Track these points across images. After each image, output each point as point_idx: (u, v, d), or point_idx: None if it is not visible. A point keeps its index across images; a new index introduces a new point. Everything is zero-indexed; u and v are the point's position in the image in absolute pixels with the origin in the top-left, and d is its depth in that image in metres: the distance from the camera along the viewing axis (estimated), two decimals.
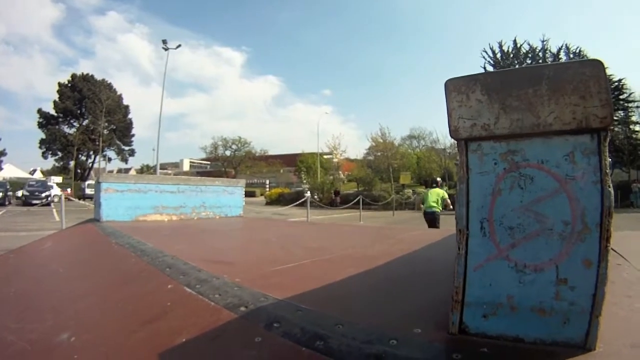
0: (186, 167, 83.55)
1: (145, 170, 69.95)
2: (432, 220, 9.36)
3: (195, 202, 6.28)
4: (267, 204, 34.95)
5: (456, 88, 1.26)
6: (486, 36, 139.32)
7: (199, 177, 7.22)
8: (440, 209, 9.48)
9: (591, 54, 52.06)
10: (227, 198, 6.87)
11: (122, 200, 5.32)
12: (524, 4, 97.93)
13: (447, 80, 1.29)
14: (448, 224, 7.22)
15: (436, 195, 9.64)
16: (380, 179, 39.00)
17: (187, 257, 2.52)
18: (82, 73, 55.76)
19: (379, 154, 40.79)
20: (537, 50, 49.08)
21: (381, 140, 39.80)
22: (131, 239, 3.35)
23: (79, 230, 4.77)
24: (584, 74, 1.11)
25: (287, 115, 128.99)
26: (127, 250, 2.97)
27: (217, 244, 3.71)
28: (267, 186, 49.93)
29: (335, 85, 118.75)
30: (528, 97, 1.17)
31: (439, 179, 11.79)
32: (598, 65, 1.11)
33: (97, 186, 5.32)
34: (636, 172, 43.57)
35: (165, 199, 5.86)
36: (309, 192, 35.42)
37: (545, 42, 48.57)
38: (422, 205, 10.14)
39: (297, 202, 16.27)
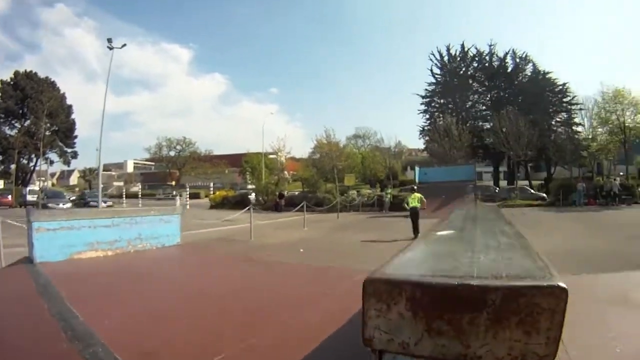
0: (130, 168, 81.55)
1: (88, 173, 67.95)
2: (415, 214, 14.19)
3: (131, 234, 6.50)
4: (212, 207, 35.17)
5: (377, 293, 1.15)
6: (442, 39, 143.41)
7: (132, 209, 7.36)
8: (419, 206, 14.49)
9: (538, 58, 56.11)
10: (164, 227, 7.14)
11: (55, 239, 5.45)
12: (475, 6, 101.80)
13: (367, 280, 1.19)
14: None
15: (418, 197, 14.65)
16: (325, 180, 40.09)
17: (119, 344, 2.53)
18: (26, 70, 54.13)
19: (324, 155, 42.12)
20: (484, 54, 52.48)
21: (325, 142, 41.24)
22: (62, 306, 3.29)
23: (7, 279, 4.71)
24: (538, 307, 1.00)
25: (233, 114, 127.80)
26: (56, 329, 2.82)
27: (151, 306, 3.67)
28: (212, 188, 49.68)
29: (283, 84, 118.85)
30: (461, 325, 1.06)
31: (415, 187, 17.34)
32: (560, 294, 1.02)
33: (28, 225, 5.44)
34: (578, 169, 47.12)
35: (100, 234, 6.02)
36: (253, 194, 36.28)
37: (492, 47, 52.15)
38: (406, 205, 15.02)
39: (243, 211, 16.30)
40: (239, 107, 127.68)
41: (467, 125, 46.44)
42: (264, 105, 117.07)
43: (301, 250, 11.07)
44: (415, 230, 13.62)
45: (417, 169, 33.28)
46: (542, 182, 45.95)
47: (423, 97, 54.81)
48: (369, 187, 45.85)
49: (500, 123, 38.49)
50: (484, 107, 53.05)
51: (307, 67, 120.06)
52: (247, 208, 15.29)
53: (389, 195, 30.88)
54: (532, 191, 37.61)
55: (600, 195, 31.81)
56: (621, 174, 42.63)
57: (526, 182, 44.97)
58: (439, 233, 2.41)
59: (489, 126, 47.62)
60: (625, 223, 18.64)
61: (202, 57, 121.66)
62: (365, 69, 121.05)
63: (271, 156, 45.37)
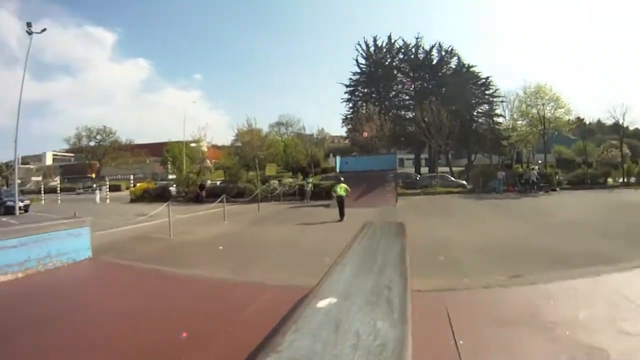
0: (49, 160, 77.10)
1: (5, 168, 64.16)
2: (341, 202, 17.17)
3: (40, 252, 6.58)
4: (132, 201, 34.58)
5: None
6: (370, 30, 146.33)
7: (37, 225, 7.22)
8: (345, 194, 17.40)
9: (464, 53, 59.69)
10: (74, 242, 7.31)
11: None
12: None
13: None
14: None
15: (344, 187, 17.59)
16: (247, 168, 40.92)
17: None
18: None
19: (245, 143, 42.57)
20: (410, 47, 55.19)
21: (247, 131, 41.74)
22: None
23: None
24: None
25: (156, 101, 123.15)
26: None
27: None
28: (132, 180, 48.60)
29: (208, 70, 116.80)
30: None
31: (342, 178, 19.92)
32: None
33: None
34: (498, 157, 51.47)
35: (8, 255, 6.03)
36: (174, 186, 36.33)
37: (419, 40, 54.87)
38: (333, 193, 18.20)
39: (164, 205, 15.47)
40: (162, 94, 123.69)
41: (390, 114, 48.97)
42: (188, 92, 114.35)
43: (220, 247, 11.15)
44: (341, 214, 16.96)
45: (337, 158, 34.10)
46: (463, 168, 49.03)
47: (347, 86, 56.65)
48: (291, 176, 46.52)
49: (422, 113, 40.63)
50: (407, 97, 55.47)
51: (232, 53, 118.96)
52: (167, 203, 15.15)
53: (309, 185, 31.50)
54: (452, 178, 39.68)
55: (519, 183, 34.34)
56: (540, 162, 47.07)
57: (447, 169, 47.71)
58: (318, 305, 2.23)
59: (411, 115, 49.67)
60: (541, 210, 20.14)
61: (127, 41, 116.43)
62: (291, 57, 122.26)
63: (193, 145, 45.07)
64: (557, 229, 13.78)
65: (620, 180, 39.50)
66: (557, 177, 37.71)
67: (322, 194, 29.23)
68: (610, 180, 39.30)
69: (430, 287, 5.17)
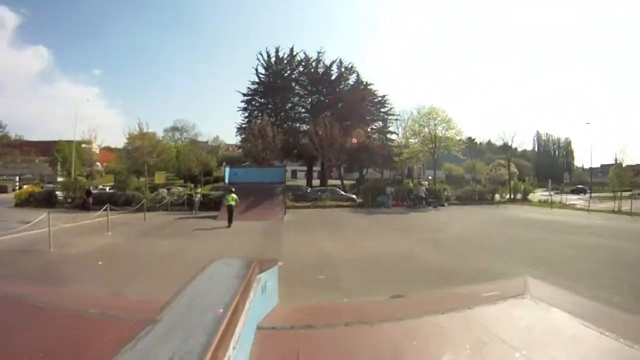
0: None
1: None
2: (231, 211, 20.95)
3: None
4: (16, 205, 33.07)
5: None
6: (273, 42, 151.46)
7: None
8: (234, 204, 21.17)
9: (363, 70, 65.10)
10: None
11: None
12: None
13: None
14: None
15: (234, 197, 21.32)
16: (137, 174, 41.44)
17: None
18: None
19: (135, 149, 42.86)
20: (311, 60, 58.87)
21: (137, 134, 42.01)
22: None
23: None
24: None
25: (50, 95, 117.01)
26: None
27: None
28: (17, 182, 47.05)
29: (109, 66, 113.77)
30: None
31: (233, 189, 23.13)
32: None
33: None
34: (390, 172, 57.02)
35: None
36: (60, 191, 35.52)
37: (320, 54, 58.75)
38: (224, 201, 22.20)
39: (48, 212, 14.93)
40: (57, 87, 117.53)
41: (285, 126, 52.38)
42: (86, 87, 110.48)
43: (100, 263, 11.06)
44: (230, 221, 20.75)
45: (227, 168, 35.12)
46: (355, 182, 53.38)
47: (244, 95, 58.59)
48: (182, 184, 47.50)
49: (315, 127, 43.80)
50: (303, 110, 58.89)
51: (135, 50, 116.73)
52: (49, 211, 15.05)
53: (198, 195, 32.11)
54: (343, 192, 42.91)
55: (407, 198, 37.99)
56: (430, 178, 53.18)
57: (339, 182, 51.90)
58: None
59: (306, 128, 52.48)
60: (428, 226, 22.17)
61: (31, 25, 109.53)
62: (195, 61, 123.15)
63: (84, 146, 44.59)
64: (442, 244, 15.08)
65: (507, 196, 45.73)
66: (445, 193, 42.20)
67: (211, 204, 30.05)
68: (497, 196, 45.47)
69: (289, 322, 6.05)
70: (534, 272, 9.20)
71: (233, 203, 20.83)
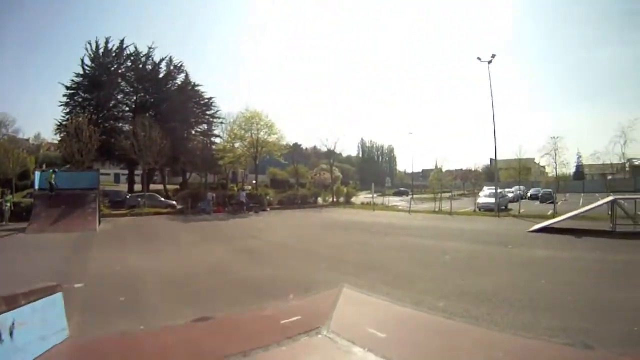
0: None
1: None
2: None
3: None
4: None
5: None
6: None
7: None
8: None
9: (193, 71, 72.46)
10: None
11: None
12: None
13: None
14: None
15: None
16: None
17: None
18: None
19: None
20: (141, 56, 62.93)
21: None
22: None
23: None
24: None
25: None
26: None
27: None
28: None
29: None
30: None
31: (53, 193, 27.15)
32: None
33: None
34: (214, 177, 64.05)
35: None
36: None
37: (152, 50, 63.10)
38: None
39: None
40: None
41: (107, 125, 55.36)
42: None
43: None
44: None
45: (37, 173, 34.99)
46: (178, 187, 59.88)
47: (68, 89, 59.38)
48: None
49: (135, 128, 46.78)
50: (127, 109, 62.25)
51: None
52: None
53: (8, 204, 32.15)
54: (162, 199, 48.08)
55: (229, 204, 44.80)
56: (254, 182, 60.95)
57: (162, 188, 57.73)
58: None
59: (129, 128, 53.19)
60: (248, 233, 24.73)
61: None
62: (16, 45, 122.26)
63: None
64: (258, 254, 17.04)
65: (330, 200, 56.44)
66: (268, 198, 50.59)
67: (23, 214, 30.67)
68: (320, 200, 56.15)
69: None
70: (352, 280, 10.99)
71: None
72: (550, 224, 24.85)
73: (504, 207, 42.94)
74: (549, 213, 33.27)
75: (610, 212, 23.78)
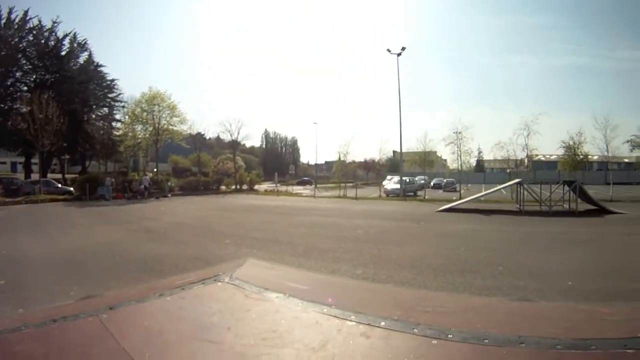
0: None
1: None
2: None
3: None
4: None
5: None
6: None
7: None
8: None
9: (97, 50, 69.28)
10: None
11: None
12: None
13: None
14: None
15: None
16: None
17: None
18: None
19: None
20: (45, 30, 58.05)
21: None
22: None
23: None
24: None
25: None
26: None
27: None
28: None
29: None
30: None
31: None
32: None
33: None
34: (114, 164, 62.11)
35: None
36: None
37: (56, 25, 58.25)
38: None
39: None
40: None
41: (3, 106, 52.27)
42: None
43: None
44: None
45: None
46: (77, 175, 55.77)
47: None
48: None
49: (31, 106, 44.02)
50: (25, 88, 56.84)
51: None
52: None
53: None
54: (59, 185, 46.23)
55: (129, 190, 43.66)
56: (155, 170, 58.63)
57: (61, 176, 54.89)
58: None
59: (25, 110, 48.45)
60: (146, 215, 24.65)
61: None
62: None
63: None
64: (158, 233, 16.94)
65: (233, 187, 56.35)
66: (169, 184, 49.88)
67: None
68: (223, 187, 55.45)
69: None
70: (258, 254, 11.03)
71: None
72: (458, 204, 26.18)
73: (412, 193, 44.97)
74: (454, 198, 34.43)
75: (515, 196, 25.00)
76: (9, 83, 57.07)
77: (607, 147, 42.72)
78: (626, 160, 65.67)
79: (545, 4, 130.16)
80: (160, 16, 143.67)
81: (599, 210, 24.20)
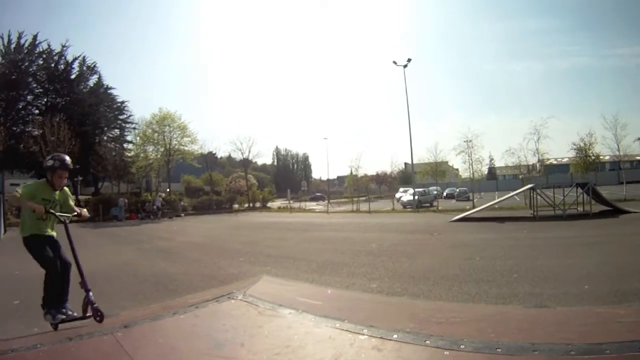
0: None
1: None
2: None
3: None
4: None
5: None
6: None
7: None
8: None
9: (106, 72, 69.32)
10: None
11: None
12: None
13: None
14: None
15: None
16: None
17: None
18: None
19: None
20: (54, 54, 58.76)
21: None
22: None
23: None
24: None
25: None
26: None
27: None
28: None
29: None
30: None
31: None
32: None
33: None
34: (127, 185, 60.99)
35: None
36: None
37: (65, 48, 58.96)
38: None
39: None
40: None
41: (15, 129, 52.37)
42: None
43: None
44: None
45: None
46: (90, 196, 56.74)
47: None
48: None
49: (43, 129, 44.59)
50: (37, 112, 57.61)
51: None
52: None
53: None
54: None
55: (141, 210, 43.83)
56: (167, 190, 57.84)
57: (74, 197, 54.21)
58: None
59: (38, 133, 48.95)
60: (159, 235, 24.27)
61: None
62: None
63: None
64: (171, 252, 16.88)
65: (246, 205, 55.59)
66: (182, 204, 49.64)
67: None
68: (236, 205, 54.79)
69: None
70: (272, 271, 11.02)
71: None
72: (471, 214, 25.76)
73: (428, 204, 44.48)
74: (467, 207, 33.94)
75: (528, 201, 24.69)
76: (20, 106, 57.79)
77: (618, 146, 42.33)
78: (638, 158, 64.47)
79: (546, 7, 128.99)
80: (167, 36, 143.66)
81: (614, 211, 24.11)
